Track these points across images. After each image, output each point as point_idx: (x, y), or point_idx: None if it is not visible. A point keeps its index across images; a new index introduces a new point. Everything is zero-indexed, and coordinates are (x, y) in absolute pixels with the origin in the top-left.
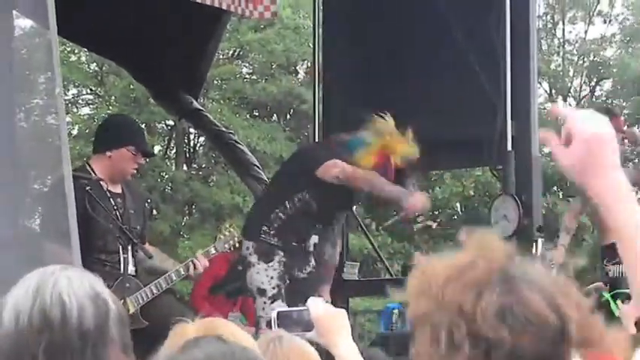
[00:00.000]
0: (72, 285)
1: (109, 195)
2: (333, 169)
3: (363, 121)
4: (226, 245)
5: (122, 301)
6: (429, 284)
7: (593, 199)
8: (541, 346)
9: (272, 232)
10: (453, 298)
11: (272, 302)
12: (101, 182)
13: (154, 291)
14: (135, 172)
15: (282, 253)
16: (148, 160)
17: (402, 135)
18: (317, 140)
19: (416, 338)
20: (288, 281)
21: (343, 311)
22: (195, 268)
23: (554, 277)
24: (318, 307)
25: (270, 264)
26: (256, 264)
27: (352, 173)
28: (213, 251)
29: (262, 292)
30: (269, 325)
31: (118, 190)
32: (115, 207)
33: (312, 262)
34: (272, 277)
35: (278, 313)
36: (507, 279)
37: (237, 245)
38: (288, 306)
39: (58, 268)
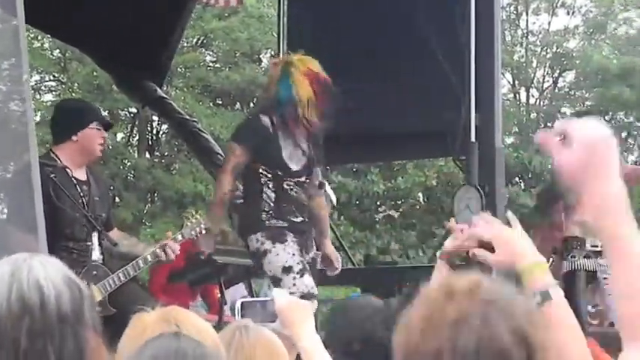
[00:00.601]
0: (47, 271)
1: (74, 182)
2: (227, 152)
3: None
4: (193, 232)
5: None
6: (408, 338)
7: (589, 202)
8: None
9: (273, 215)
10: (431, 344)
11: (301, 276)
12: (67, 169)
13: (122, 278)
14: (102, 147)
15: (291, 234)
16: (111, 146)
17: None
18: None
19: None
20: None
21: (307, 302)
22: (166, 254)
23: (523, 300)
24: (282, 298)
25: (287, 243)
26: (272, 248)
27: (227, 166)
28: (180, 238)
29: (288, 269)
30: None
31: (83, 177)
32: (81, 194)
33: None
34: (293, 254)
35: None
36: (481, 311)
37: (203, 232)
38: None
39: (27, 255)
